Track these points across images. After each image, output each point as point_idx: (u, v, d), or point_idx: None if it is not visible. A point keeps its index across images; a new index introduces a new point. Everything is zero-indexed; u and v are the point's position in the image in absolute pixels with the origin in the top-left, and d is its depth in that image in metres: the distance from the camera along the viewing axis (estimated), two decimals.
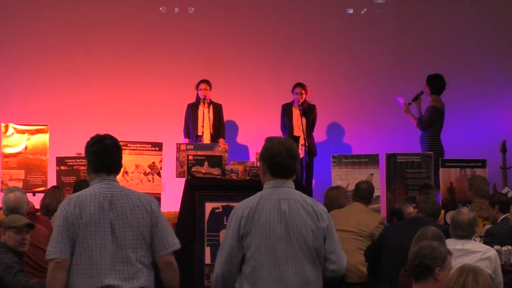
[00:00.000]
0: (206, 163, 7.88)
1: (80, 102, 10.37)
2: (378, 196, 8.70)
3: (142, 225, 3.99)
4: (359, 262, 6.71)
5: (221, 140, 9.25)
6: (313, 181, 9.55)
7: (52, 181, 8.77)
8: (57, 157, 8.89)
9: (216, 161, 7.92)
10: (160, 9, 10.74)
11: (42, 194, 7.90)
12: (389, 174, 8.87)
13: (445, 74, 9.71)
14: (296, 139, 8.76)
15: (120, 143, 4.20)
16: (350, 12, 10.95)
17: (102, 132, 4.16)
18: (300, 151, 8.81)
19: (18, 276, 5.17)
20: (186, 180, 7.92)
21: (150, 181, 8.61)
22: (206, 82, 9.43)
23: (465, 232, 5.53)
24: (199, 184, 7.84)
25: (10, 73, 10.37)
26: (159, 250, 4.02)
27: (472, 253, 5.43)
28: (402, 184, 8.82)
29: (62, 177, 8.78)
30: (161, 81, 10.55)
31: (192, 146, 8.60)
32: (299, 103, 9.43)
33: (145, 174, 8.62)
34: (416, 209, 6.72)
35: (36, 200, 8.38)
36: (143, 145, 8.73)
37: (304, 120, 9.36)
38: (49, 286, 3.90)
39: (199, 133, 9.16)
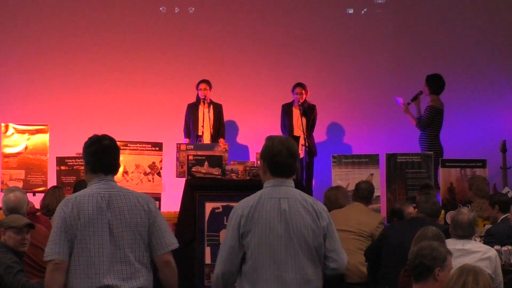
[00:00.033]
0: (206, 163, 7.88)
1: (80, 102, 10.37)
2: (378, 196, 8.70)
3: (140, 225, 3.99)
4: (359, 262, 6.71)
5: (221, 140, 9.25)
6: (313, 181, 9.55)
7: (52, 181, 8.77)
8: (57, 157, 8.89)
9: (216, 161, 7.92)
10: (160, 9, 10.74)
11: (42, 194, 7.90)
12: (389, 174, 8.87)
13: (445, 74, 9.71)
14: (296, 139, 8.75)
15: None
16: (350, 12, 10.95)
17: (102, 132, 4.16)
18: (300, 151, 8.81)
19: (18, 276, 5.18)
20: (186, 180, 7.92)
21: (150, 181, 8.61)
22: (206, 82, 9.43)
23: (465, 232, 5.53)
24: (199, 184, 7.84)
25: (11, 73, 10.37)
26: (157, 250, 4.02)
27: (472, 253, 5.42)
28: (402, 184, 8.82)
29: (62, 177, 8.78)
30: (161, 81, 10.55)
31: (192, 146, 8.59)
32: (299, 103, 9.43)
33: (145, 174, 8.62)
34: (416, 209, 6.71)
35: (36, 200, 8.38)
36: (143, 145, 8.73)
37: (304, 120, 9.36)
38: (47, 287, 3.91)
39: (199, 133, 9.16)
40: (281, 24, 10.80)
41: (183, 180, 8.04)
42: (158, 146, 8.72)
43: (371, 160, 8.94)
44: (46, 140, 9.18)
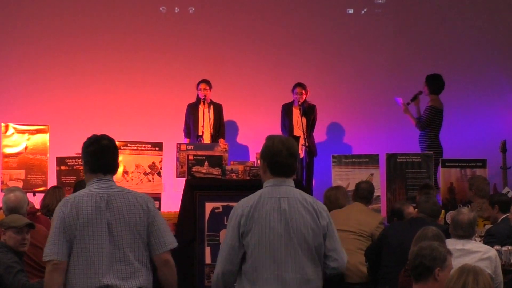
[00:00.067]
0: (206, 163, 7.88)
1: (80, 102, 10.37)
2: (378, 196, 8.70)
3: (139, 224, 4.00)
4: (359, 262, 6.71)
5: (221, 140, 9.25)
6: (313, 181, 9.55)
7: (52, 181, 8.77)
8: (57, 157, 8.89)
9: (216, 161, 7.92)
10: (160, 9, 10.74)
11: (42, 194, 7.90)
12: (389, 174, 8.87)
13: (445, 74, 9.71)
14: (296, 139, 8.75)
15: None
16: (350, 12, 10.95)
17: (102, 132, 4.17)
18: (300, 151, 8.81)
19: (19, 276, 5.18)
20: (186, 180, 7.92)
21: (150, 181, 8.61)
22: (206, 82, 9.43)
23: (465, 232, 5.53)
24: (199, 184, 7.84)
25: (11, 73, 10.37)
26: (156, 249, 4.03)
27: (472, 253, 5.43)
28: (402, 184, 8.82)
29: (62, 177, 8.78)
30: (161, 81, 10.55)
31: (192, 146, 8.60)
32: (299, 103, 9.43)
33: (145, 174, 8.62)
34: (416, 209, 6.71)
35: (36, 200, 8.38)
36: (143, 145, 8.73)
37: (304, 120, 9.36)
38: (47, 287, 3.93)
39: (200, 133, 9.17)
40: (281, 24, 10.80)
41: (183, 180, 8.05)
42: (158, 146, 8.72)
43: (371, 160, 8.94)
44: (46, 140, 9.18)
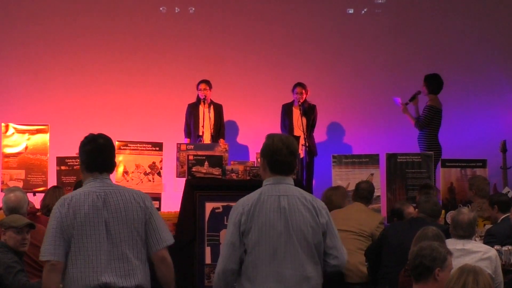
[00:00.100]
0: (206, 163, 7.88)
1: (80, 102, 10.37)
2: (379, 196, 8.70)
3: (136, 221, 4.02)
4: (360, 262, 6.71)
5: (221, 141, 9.25)
6: (314, 181, 9.55)
7: (52, 181, 8.78)
8: (57, 157, 8.90)
9: (216, 161, 7.92)
10: (160, 9, 10.73)
11: (43, 194, 7.90)
12: (389, 174, 8.87)
13: (444, 74, 9.71)
14: (297, 139, 8.75)
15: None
16: (350, 12, 10.95)
17: (102, 132, 4.17)
18: (300, 151, 8.81)
19: (19, 276, 5.18)
20: (186, 180, 7.92)
21: (150, 181, 8.61)
22: (206, 82, 9.43)
23: (466, 232, 5.53)
24: (200, 184, 7.84)
25: (11, 73, 10.37)
26: (153, 246, 4.05)
27: (472, 253, 5.43)
28: (402, 184, 8.82)
29: (62, 177, 8.79)
30: (161, 81, 10.55)
31: (192, 146, 8.60)
32: (300, 103, 9.43)
33: (146, 174, 8.62)
34: (416, 209, 6.71)
35: (36, 200, 8.38)
36: (144, 145, 8.73)
37: (304, 120, 9.36)
38: (45, 287, 3.98)
39: (200, 133, 9.17)
40: (281, 24, 10.80)
41: (183, 180, 8.04)
42: (158, 146, 8.72)
43: (371, 160, 8.94)
44: (46, 140, 9.18)
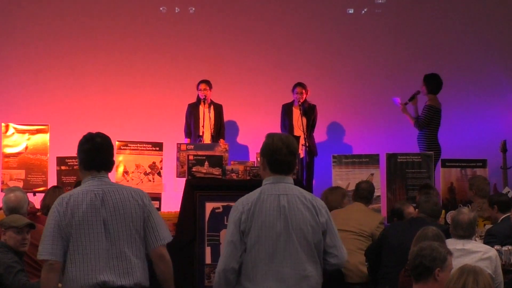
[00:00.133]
0: (206, 163, 7.88)
1: (80, 102, 10.37)
2: (379, 196, 8.71)
3: (134, 219, 4.03)
4: (360, 262, 6.71)
5: (221, 141, 9.25)
6: (314, 181, 9.55)
7: (52, 181, 8.78)
8: (57, 157, 8.90)
9: (216, 161, 7.92)
10: (161, 9, 10.74)
11: (43, 194, 7.90)
12: (389, 174, 8.87)
13: (445, 74, 9.71)
14: (297, 139, 8.74)
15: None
16: (350, 12, 10.95)
17: (102, 132, 4.18)
18: (300, 151, 8.81)
19: (19, 276, 5.19)
20: (186, 180, 7.92)
21: (150, 181, 8.61)
22: (206, 82, 9.43)
23: (466, 232, 5.53)
24: (200, 184, 7.84)
25: (11, 73, 10.37)
26: (152, 243, 4.06)
27: (472, 253, 5.43)
28: (402, 184, 8.82)
29: (62, 177, 8.79)
30: (161, 81, 10.55)
31: (192, 146, 8.60)
32: (300, 103, 9.43)
33: (146, 174, 8.62)
34: (416, 209, 6.72)
35: (36, 200, 8.38)
36: (144, 145, 8.73)
37: (304, 120, 9.36)
38: (43, 286, 3.99)
39: (200, 133, 9.17)
40: (281, 24, 10.80)
41: (183, 180, 8.04)
42: (158, 146, 8.72)
43: (372, 160, 8.94)
44: (46, 140, 9.19)
